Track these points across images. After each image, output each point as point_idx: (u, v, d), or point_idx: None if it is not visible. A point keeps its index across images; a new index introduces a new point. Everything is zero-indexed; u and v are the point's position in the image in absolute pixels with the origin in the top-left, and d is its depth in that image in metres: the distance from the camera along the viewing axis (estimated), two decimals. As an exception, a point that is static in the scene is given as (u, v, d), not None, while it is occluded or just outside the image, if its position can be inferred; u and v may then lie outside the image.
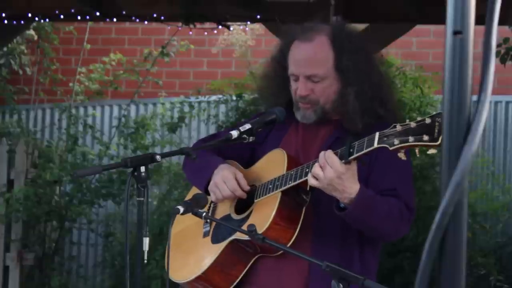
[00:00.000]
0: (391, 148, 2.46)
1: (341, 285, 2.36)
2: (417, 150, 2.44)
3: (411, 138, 2.41)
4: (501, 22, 1.32)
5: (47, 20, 6.71)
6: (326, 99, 2.93)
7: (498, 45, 5.17)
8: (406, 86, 6.59)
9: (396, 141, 2.44)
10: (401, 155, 2.46)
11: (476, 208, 6.97)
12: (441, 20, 1.27)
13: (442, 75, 1.28)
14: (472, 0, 1.24)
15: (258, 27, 7.48)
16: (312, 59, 2.94)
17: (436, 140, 2.36)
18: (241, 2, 6.00)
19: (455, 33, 1.24)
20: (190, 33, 7.02)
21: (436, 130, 2.37)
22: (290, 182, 2.80)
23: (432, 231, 1.21)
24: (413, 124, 2.43)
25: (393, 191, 2.82)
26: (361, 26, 6.01)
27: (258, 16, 6.08)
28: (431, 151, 2.41)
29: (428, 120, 2.40)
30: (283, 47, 3.06)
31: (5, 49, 7.91)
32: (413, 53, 8.20)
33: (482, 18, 1.23)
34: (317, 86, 2.93)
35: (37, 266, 7.31)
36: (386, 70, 3.17)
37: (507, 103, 7.90)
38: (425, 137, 2.38)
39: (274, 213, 2.80)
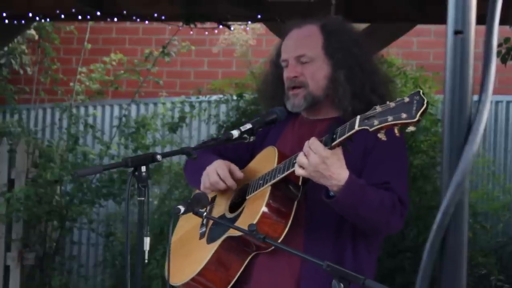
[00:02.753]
0: (370, 129, 2.46)
1: (342, 285, 2.35)
2: (396, 130, 2.44)
3: (390, 118, 2.42)
4: (502, 22, 1.32)
5: (48, 19, 6.71)
6: (316, 84, 2.93)
7: (499, 45, 5.17)
8: (407, 86, 6.59)
9: (375, 122, 2.45)
10: (381, 136, 2.46)
11: (476, 208, 6.97)
12: (442, 20, 1.28)
13: (443, 75, 1.28)
14: (473, 0, 1.24)
15: (259, 27, 7.49)
16: (300, 40, 2.99)
17: (414, 117, 2.38)
18: (242, 2, 6.00)
19: (456, 32, 1.24)
20: (191, 32, 7.02)
21: (414, 108, 2.39)
22: (278, 175, 2.79)
23: (433, 231, 1.21)
24: (392, 105, 2.44)
25: (387, 184, 2.81)
26: (362, 26, 6.02)
27: (259, 16, 6.08)
28: (410, 128, 2.42)
29: (406, 99, 2.42)
30: (279, 47, 3.07)
31: (5, 48, 7.92)
32: (414, 53, 8.20)
33: (483, 17, 1.23)
34: (306, 69, 2.94)
35: (37, 266, 7.31)
36: (380, 60, 3.17)
37: (508, 103, 7.90)
38: (403, 115, 2.39)
39: (263, 206, 2.79)
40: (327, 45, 2.95)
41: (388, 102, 2.46)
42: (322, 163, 2.62)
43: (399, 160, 2.92)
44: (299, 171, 2.68)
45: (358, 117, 2.52)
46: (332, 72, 2.93)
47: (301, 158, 2.66)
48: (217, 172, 2.94)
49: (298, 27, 3.02)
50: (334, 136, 2.60)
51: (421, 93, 2.41)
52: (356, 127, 2.51)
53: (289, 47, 3.00)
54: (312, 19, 3.06)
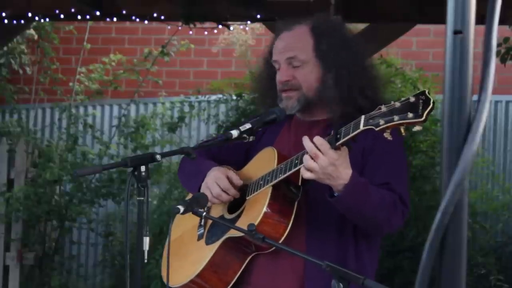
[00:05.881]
0: (376, 129, 2.45)
1: (341, 285, 2.35)
2: (402, 129, 2.44)
3: (396, 117, 2.41)
4: (501, 22, 1.32)
5: (47, 19, 6.71)
6: (309, 86, 2.93)
7: (498, 45, 5.17)
8: (406, 87, 6.59)
9: (381, 122, 2.44)
10: (387, 135, 2.45)
11: (476, 208, 6.97)
12: (442, 20, 1.28)
13: (442, 75, 1.28)
14: (472, 0, 1.24)
15: (259, 27, 7.49)
16: (291, 43, 2.98)
17: (421, 117, 2.37)
18: (241, 2, 6.00)
19: (456, 32, 1.25)
20: (190, 32, 7.01)
21: (421, 107, 2.37)
22: (280, 176, 2.79)
23: (433, 231, 1.21)
24: (397, 104, 2.43)
25: (387, 185, 2.81)
26: (361, 26, 6.02)
27: (258, 16, 6.08)
28: (417, 128, 2.41)
29: (412, 99, 2.40)
30: (271, 46, 3.07)
31: (5, 48, 7.92)
32: (413, 53, 8.20)
33: (483, 17, 1.23)
34: (298, 72, 2.94)
35: (37, 266, 7.31)
36: (373, 63, 3.14)
37: (507, 102, 7.90)
38: (410, 115, 2.38)
39: (265, 207, 2.78)
40: (317, 47, 2.95)
41: (392, 102, 2.45)
42: (331, 165, 2.62)
43: (398, 160, 2.92)
44: (307, 174, 2.67)
45: (363, 116, 2.51)
46: (322, 75, 2.93)
47: (309, 162, 2.65)
48: (217, 184, 2.93)
49: (289, 29, 3.02)
50: (338, 136, 2.60)
51: (426, 92, 2.40)
52: (361, 127, 2.50)
53: (279, 50, 3.00)
54: (303, 19, 3.05)
